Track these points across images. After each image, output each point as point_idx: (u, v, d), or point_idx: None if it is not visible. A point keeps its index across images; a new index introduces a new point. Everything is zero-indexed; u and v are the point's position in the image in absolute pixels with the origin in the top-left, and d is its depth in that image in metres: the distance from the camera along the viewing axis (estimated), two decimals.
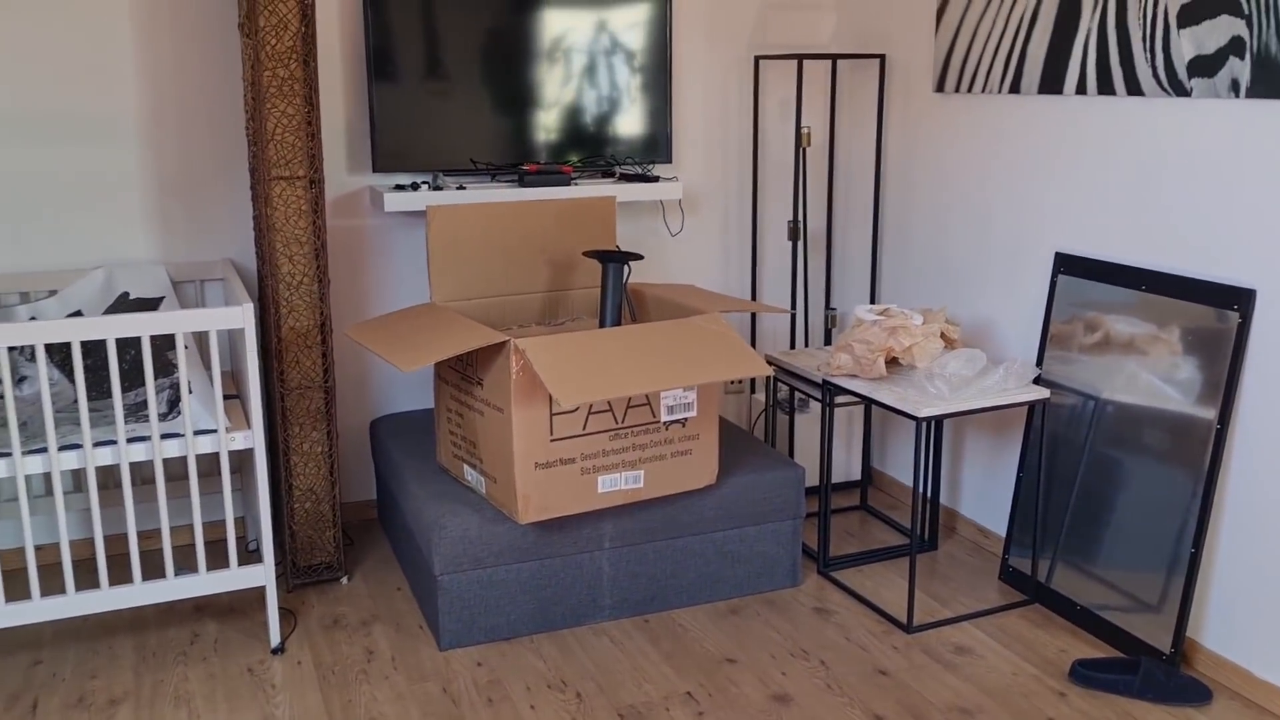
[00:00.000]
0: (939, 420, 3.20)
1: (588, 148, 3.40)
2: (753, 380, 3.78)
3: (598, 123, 3.39)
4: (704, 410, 2.75)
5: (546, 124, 3.34)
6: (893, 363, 2.95)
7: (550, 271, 3.07)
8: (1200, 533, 2.48)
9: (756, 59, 3.56)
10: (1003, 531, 3.18)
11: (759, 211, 3.72)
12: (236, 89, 3.12)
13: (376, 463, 3.33)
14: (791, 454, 3.55)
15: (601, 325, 2.92)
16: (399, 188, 3.16)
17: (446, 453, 2.90)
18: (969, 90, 3.12)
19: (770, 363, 3.19)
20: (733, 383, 3.79)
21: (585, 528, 2.73)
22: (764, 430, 3.67)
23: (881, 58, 3.46)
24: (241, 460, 3.12)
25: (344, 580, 3.03)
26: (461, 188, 3.19)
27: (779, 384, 3.55)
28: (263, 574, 2.60)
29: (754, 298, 3.74)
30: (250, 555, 3.18)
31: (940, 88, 3.23)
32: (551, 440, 2.59)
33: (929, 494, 3.27)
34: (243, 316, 2.48)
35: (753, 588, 2.95)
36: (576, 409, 2.60)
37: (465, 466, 2.80)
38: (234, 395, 2.89)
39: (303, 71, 2.73)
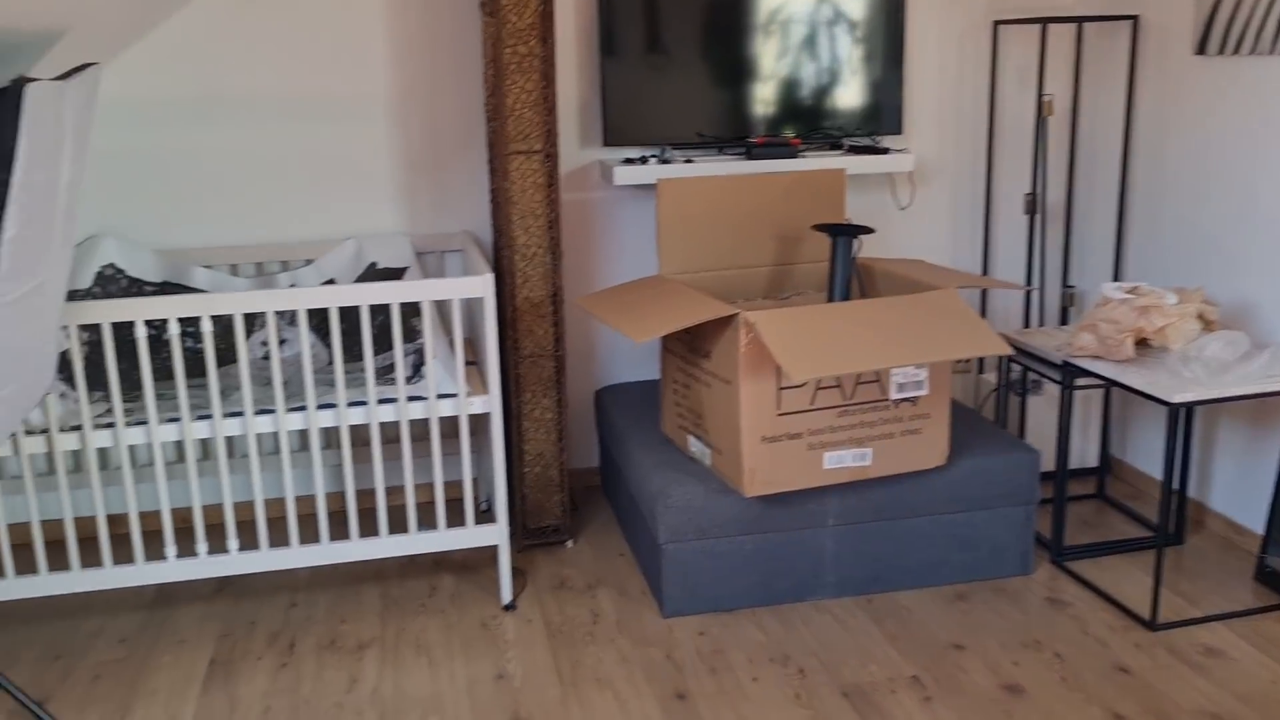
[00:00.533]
0: (1192, 407, 3.00)
1: (808, 120, 3.35)
2: (981, 360, 3.65)
3: (818, 94, 3.33)
4: (936, 389, 2.67)
5: (766, 97, 3.31)
6: (1142, 344, 2.78)
7: (777, 245, 3.05)
8: None
9: (995, 23, 3.41)
10: (1259, 529, 2.96)
11: (993, 184, 3.57)
12: (476, 67, 3.23)
13: (600, 431, 3.40)
14: (1022, 437, 3.41)
15: (830, 300, 2.88)
16: (628, 161, 3.21)
17: (671, 423, 2.93)
18: (1235, 52, 2.89)
19: (1006, 341, 3.06)
20: (960, 362, 3.67)
21: (810, 503, 2.70)
22: (994, 412, 3.54)
23: (1134, 19, 3.24)
24: (477, 424, 3.25)
25: (569, 544, 3.13)
26: (689, 161, 3.21)
27: (1011, 364, 3.41)
28: (496, 533, 2.71)
29: (986, 273, 3.60)
30: (483, 515, 3.32)
31: (1202, 50, 3.00)
32: (778, 414, 2.57)
33: (1177, 485, 3.07)
34: (484, 286, 2.57)
35: (981, 573, 2.85)
36: (804, 384, 2.58)
37: (690, 437, 2.83)
38: (472, 362, 3.02)
39: (541, 48, 2.80)
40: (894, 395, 2.65)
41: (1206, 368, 2.54)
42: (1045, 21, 3.21)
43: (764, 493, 2.62)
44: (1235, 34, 2.89)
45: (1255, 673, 2.42)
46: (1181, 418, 3.03)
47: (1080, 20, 3.24)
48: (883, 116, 3.38)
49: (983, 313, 3.61)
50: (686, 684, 2.42)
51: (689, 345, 2.77)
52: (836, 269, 2.82)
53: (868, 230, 2.80)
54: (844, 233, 2.80)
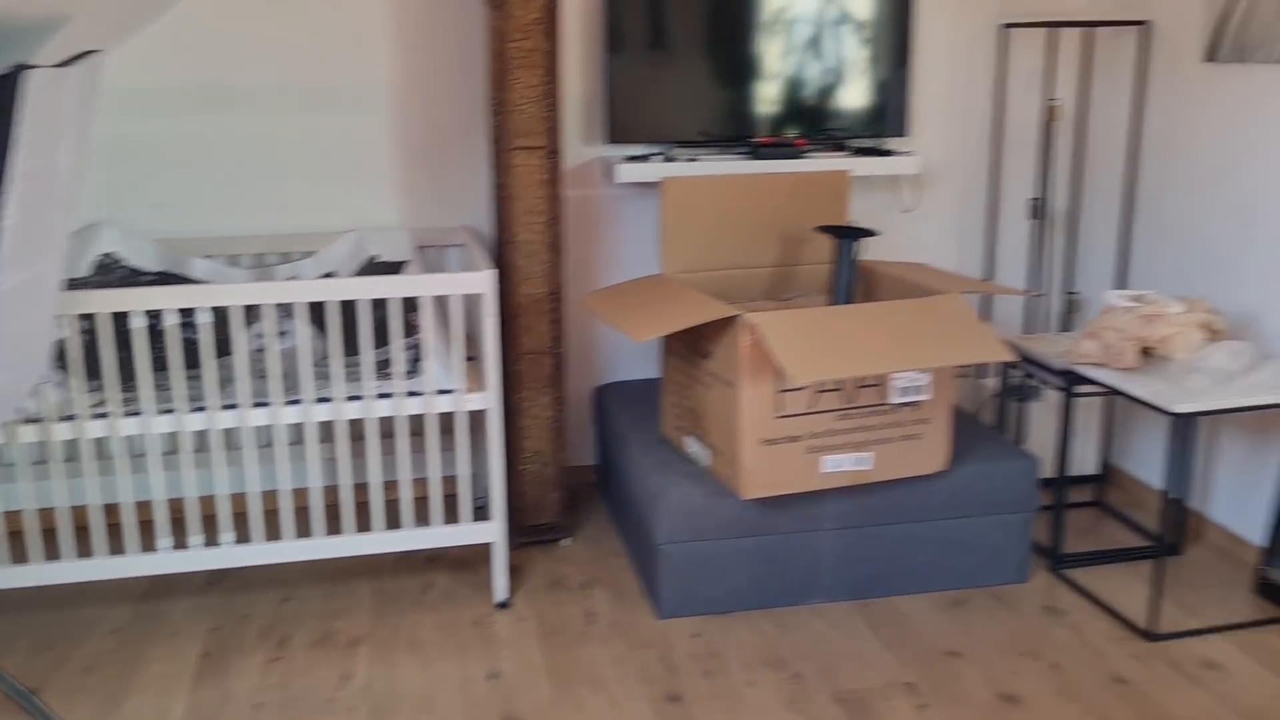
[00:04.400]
0: (1194, 418, 2.98)
1: (811, 120, 3.32)
2: (982, 365, 3.63)
3: (822, 95, 3.31)
4: (938, 394, 2.66)
5: (770, 96, 3.28)
6: (1145, 353, 2.76)
7: (780, 246, 3.03)
8: None
9: (1004, 26, 3.39)
10: (1259, 540, 2.94)
11: (998, 189, 3.56)
12: (480, 60, 3.21)
13: (599, 429, 3.38)
14: (1022, 443, 3.39)
15: (833, 302, 2.86)
16: (631, 159, 3.19)
17: (670, 423, 2.92)
18: (1247, 60, 2.87)
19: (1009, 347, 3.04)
20: (962, 366, 3.65)
21: (808, 506, 2.69)
22: (994, 417, 3.52)
23: (1144, 24, 3.23)
24: (475, 420, 3.23)
25: (565, 542, 3.11)
26: (693, 160, 3.19)
27: (1012, 370, 3.39)
28: (492, 531, 2.69)
29: (989, 278, 3.58)
30: (480, 511, 3.30)
31: (1212, 56, 2.99)
32: (778, 417, 2.56)
33: (1176, 495, 3.05)
34: (485, 282, 2.55)
35: (978, 580, 2.84)
36: (805, 387, 2.56)
37: (688, 438, 2.81)
38: (471, 357, 3.00)
39: (546, 44, 2.78)
40: (895, 399, 2.63)
41: (1210, 378, 2.53)
42: (1054, 26, 3.19)
43: (762, 495, 2.60)
44: (1247, 41, 2.87)
45: (1254, 686, 2.40)
46: (1183, 428, 3.01)
47: (1090, 25, 3.22)
48: (888, 118, 3.36)
49: (984, 318, 3.59)
50: (680, 686, 2.41)
51: (690, 345, 2.75)
52: (839, 271, 2.81)
53: (871, 233, 2.78)
54: (847, 235, 2.78)
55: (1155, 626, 2.62)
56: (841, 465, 2.63)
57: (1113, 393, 2.67)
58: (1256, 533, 2.95)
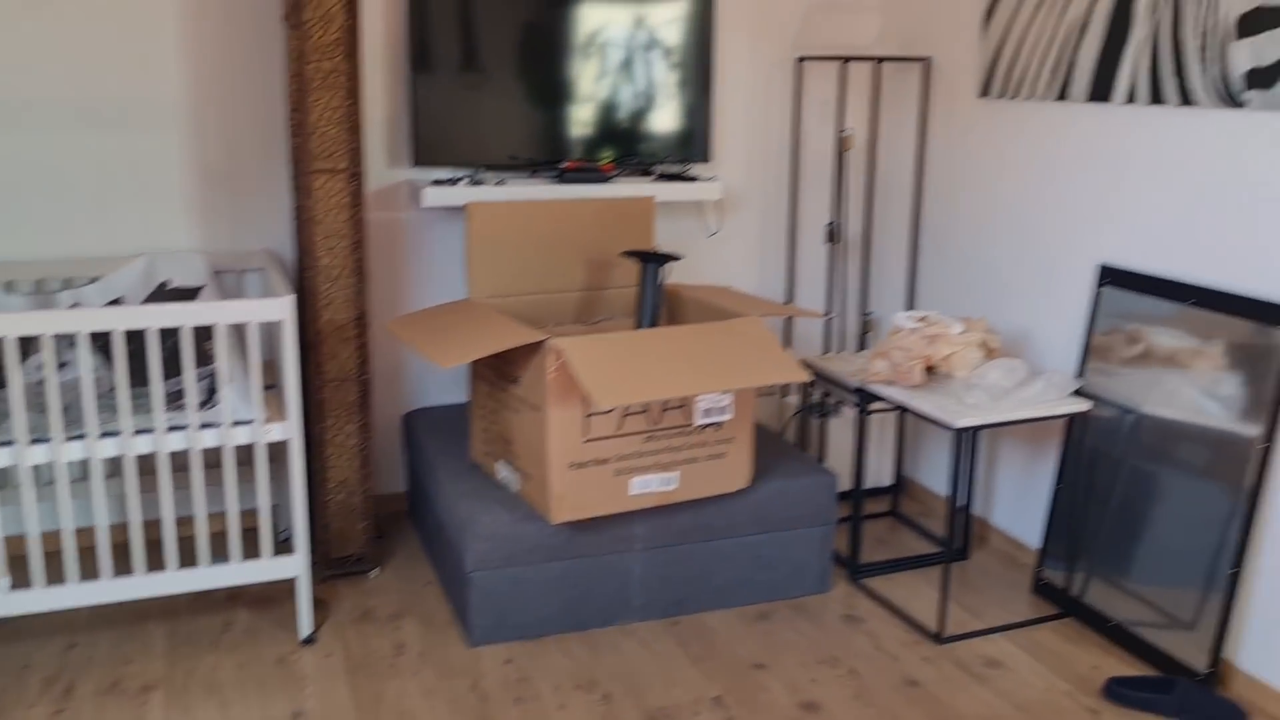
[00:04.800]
0: (974, 431, 3.17)
1: (623, 144, 3.39)
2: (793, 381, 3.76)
3: (633, 119, 3.38)
4: (739, 414, 2.74)
5: (582, 119, 3.33)
6: (930, 370, 2.92)
7: (587, 270, 3.07)
8: (1240, 552, 2.45)
9: (799, 59, 3.54)
10: (1036, 543, 3.15)
11: (797, 213, 3.70)
12: (280, 80, 3.12)
13: (408, 456, 3.33)
14: (823, 459, 3.53)
15: (639, 326, 2.91)
16: (438, 182, 3.16)
17: (479, 449, 2.90)
18: (1015, 96, 3.09)
19: (806, 367, 3.17)
20: (761, 387, 3.77)
21: (617, 528, 2.72)
22: (796, 434, 3.65)
23: (926, 61, 3.43)
24: (277, 451, 3.13)
25: (374, 573, 3.05)
26: (501, 183, 3.19)
27: (812, 389, 3.53)
28: (295, 565, 2.61)
29: (790, 300, 3.72)
30: (283, 545, 3.20)
31: (985, 93, 3.20)
32: (586, 440, 2.58)
33: (962, 503, 3.24)
34: (283, 309, 2.48)
35: (783, 593, 2.94)
36: (612, 410, 2.59)
37: (498, 463, 2.81)
38: (271, 386, 2.91)
39: (347, 65, 2.74)
40: (699, 421, 2.70)
41: (987, 394, 2.70)
42: (845, 60, 3.35)
43: (571, 519, 2.62)
44: (1015, 80, 3.08)
45: (1032, 681, 2.57)
46: (965, 441, 3.20)
47: (878, 60, 3.40)
48: (693, 144, 3.45)
49: (787, 338, 3.72)
50: (491, 714, 2.39)
51: (498, 370, 2.75)
52: (645, 295, 2.86)
53: (675, 257, 2.85)
54: (652, 260, 2.84)
55: (944, 629, 2.77)
56: (649, 486, 2.68)
57: (902, 409, 2.82)
58: (1034, 536, 3.16)
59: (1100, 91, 2.79)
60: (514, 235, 2.94)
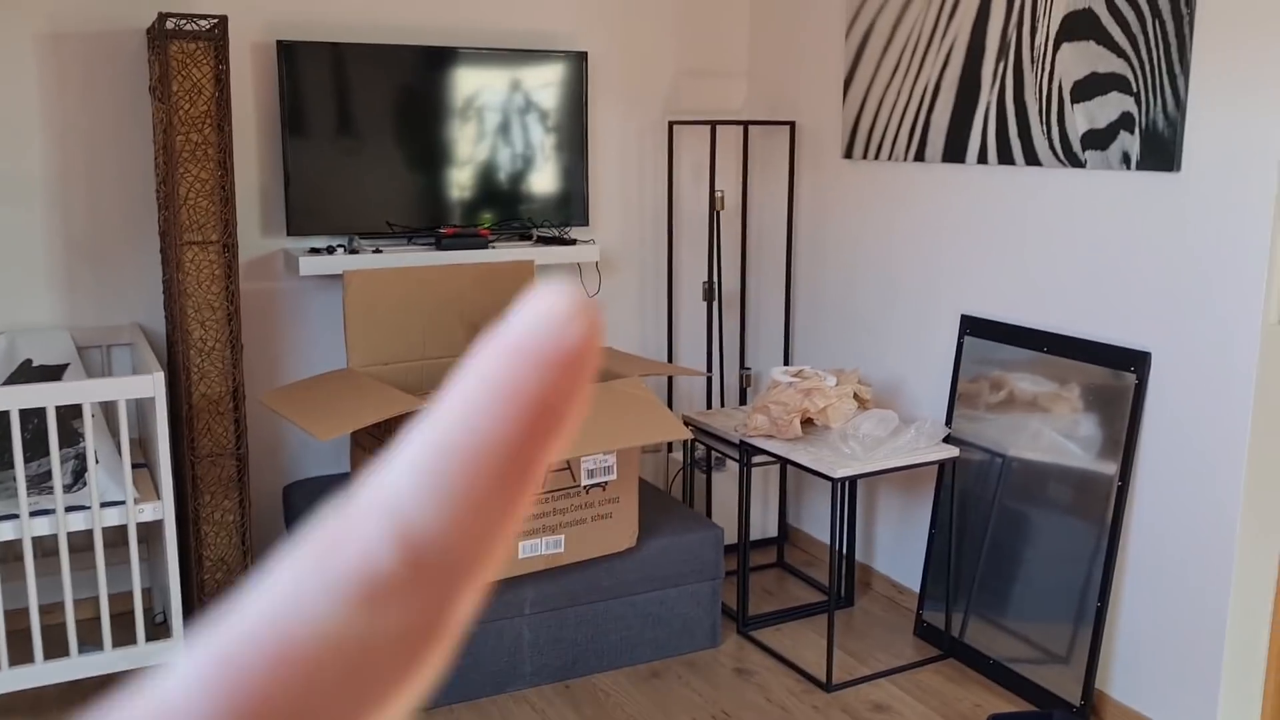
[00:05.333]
0: (852, 480, 3.26)
1: (503, 207, 3.42)
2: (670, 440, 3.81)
3: (512, 182, 3.42)
4: (623, 473, 2.77)
5: (461, 183, 3.35)
6: (808, 423, 3.00)
7: (469, 335, 3.07)
8: (1105, 586, 2.56)
9: (670, 124, 3.63)
10: (916, 587, 3.24)
11: (674, 273, 3.78)
12: (147, 151, 3.07)
13: (291, 530, 3.26)
14: (709, 513, 3.58)
15: None
16: (314, 251, 3.14)
17: None
18: (875, 158, 3.23)
19: (688, 424, 3.22)
20: (644, 445, 3.81)
21: (505, 594, 2.71)
22: (682, 490, 3.70)
23: (791, 124, 3.56)
24: (150, 531, 3.03)
25: None
26: (378, 251, 3.18)
27: (696, 444, 3.58)
28: (172, 650, 2.52)
29: (670, 358, 3.78)
30: (159, 628, 3.08)
31: (848, 154, 3.33)
32: None
33: (845, 551, 3.32)
34: (153, 385, 2.43)
35: (674, 650, 2.95)
36: None
37: None
38: (142, 464, 2.82)
39: (216, 137, 2.71)
40: (585, 481, 2.72)
41: (862, 444, 2.78)
42: (714, 124, 3.46)
43: None
44: (875, 142, 3.23)
45: None
46: (844, 490, 3.29)
47: (746, 124, 3.51)
48: (572, 207, 3.51)
49: (670, 395, 3.78)
50: None
51: (380, 439, 2.73)
52: None
53: None
54: None
55: (831, 678, 2.82)
56: (536, 549, 2.68)
57: (782, 461, 2.89)
58: (915, 580, 3.25)
59: (954, 153, 2.94)
60: (393, 303, 2.94)
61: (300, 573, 0.19)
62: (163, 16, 2.66)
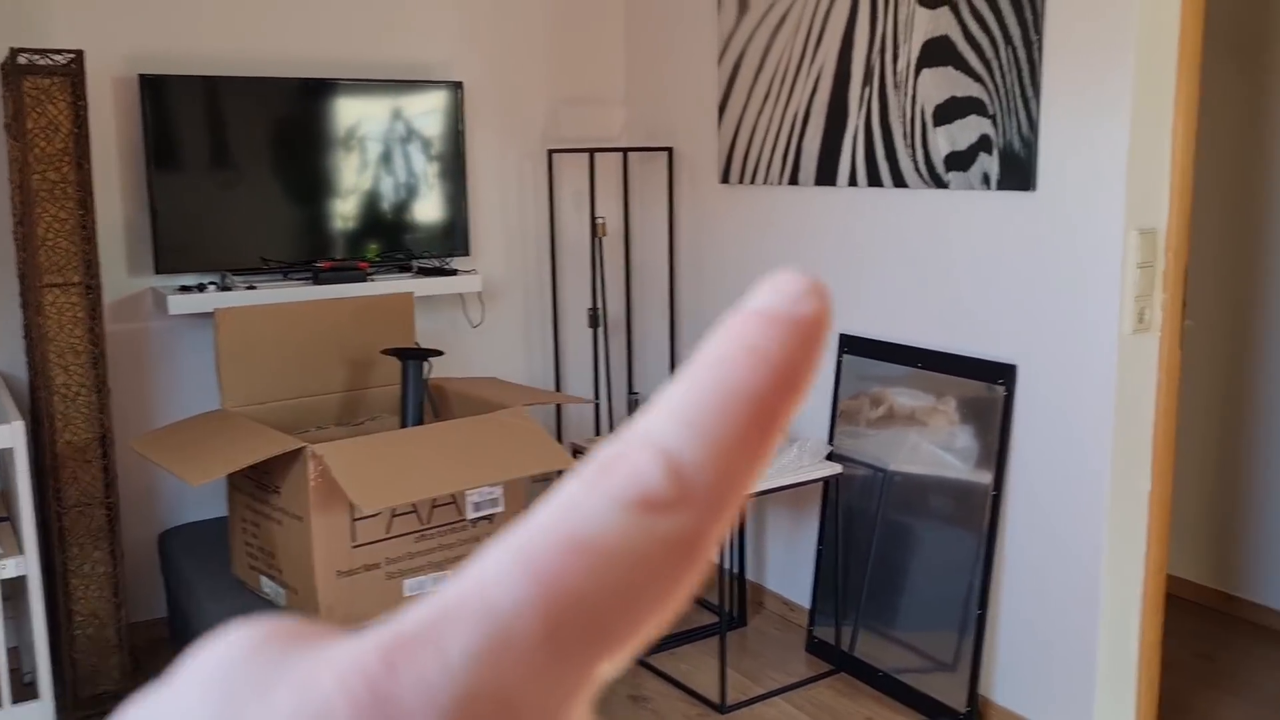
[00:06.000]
0: None
1: (385, 238, 3.38)
2: (561, 470, 3.79)
3: (395, 213, 3.38)
4: (511, 506, 2.74)
5: (342, 215, 3.30)
6: None
7: (349, 370, 3.02)
8: (984, 593, 2.63)
9: (550, 151, 3.64)
10: (806, 603, 3.28)
11: (559, 301, 3.77)
12: (3, 190, 2.95)
13: (167, 579, 3.15)
14: None
15: (403, 424, 2.88)
16: (184, 289, 3.05)
17: (242, 564, 2.78)
18: (752, 182, 3.28)
19: (575, 453, 3.21)
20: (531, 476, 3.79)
21: None
22: None
23: (669, 150, 3.59)
24: (14, 588, 2.89)
25: None
26: (252, 287, 3.11)
27: None
28: (40, 711, 2.41)
29: (558, 386, 3.77)
30: (26, 689, 2.94)
31: (726, 179, 3.38)
32: (354, 546, 2.52)
33: (737, 571, 3.34)
34: (11, 436, 2.32)
35: None
36: (379, 513, 2.55)
37: (263, 578, 2.69)
38: (4, 518, 2.70)
39: (76, 174, 2.62)
40: (471, 515, 2.68)
41: None
42: (593, 151, 3.47)
43: (343, 629, 2.53)
44: (751, 167, 3.28)
45: None
46: None
47: (624, 151, 3.54)
48: (452, 238, 3.48)
49: (558, 424, 3.77)
50: None
51: (257, 481, 2.65)
52: (408, 393, 2.84)
53: (436, 353, 2.85)
54: (413, 356, 2.83)
55: (725, 699, 2.83)
56: (423, 587, 2.63)
57: None
58: (805, 596, 3.29)
59: (826, 176, 3.01)
60: (267, 340, 2.87)
61: (578, 490, 0.21)
62: (14, 52, 2.57)
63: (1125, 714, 2.53)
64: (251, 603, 2.64)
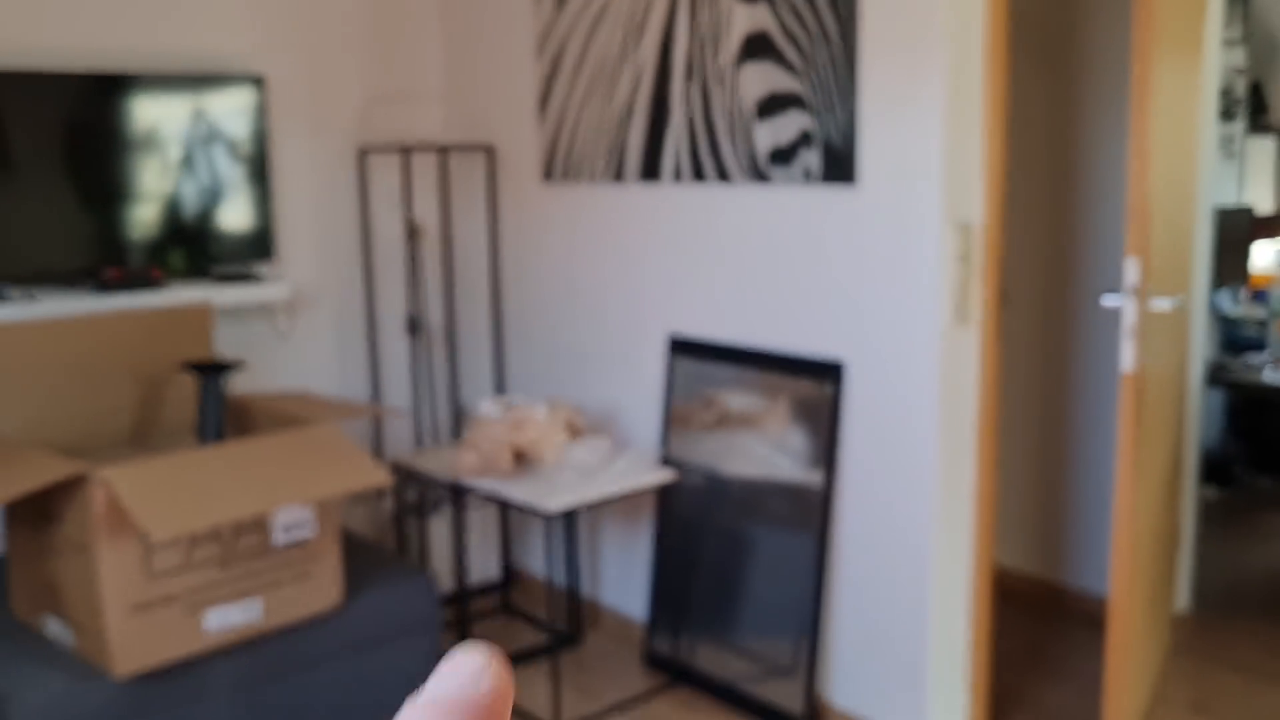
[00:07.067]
0: (569, 513, 3.18)
1: (186, 245, 3.12)
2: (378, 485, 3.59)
3: (196, 218, 3.13)
4: (324, 527, 2.55)
5: (138, 221, 3.04)
6: (521, 457, 2.89)
7: (141, 388, 2.76)
8: (819, 595, 2.60)
9: (361, 151, 3.45)
10: (643, 616, 3.19)
11: (375, 308, 3.58)
12: None
13: None
14: (425, 561, 3.40)
15: (202, 443, 2.65)
16: None
17: (23, 603, 2.50)
18: (576, 179, 3.18)
19: (396, 468, 3.04)
20: (344, 495, 3.58)
21: (198, 673, 2.42)
22: (395, 540, 3.49)
23: (490, 148, 3.46)
24: None
25: None
26: (32, 300, 2.81)
27: (406, 488, 3.39)
28: None
29: (376, 396, 3.58)
30: None
31: (549, 176, 3.27)
32: (150, 578, 2.29)
33: (573, 587, 3.23)
34: None
35: (393, 712, 2.75)
36: (175, 540, 2.32)
37: (47, 617, 2.42)
38: None
39: None
40: (279, 539, 2.48)
41: (576, 473, 2.70)
42: (407, 150, 3.31)
43: (139, 670, 2.30)
44: (574, 164, 3.18)
45: None
46: (562, 523, 3.20)
47: (441, 149, 3.38)
48: (255, 243, 3.25)
49: (377, 437, 3.57)
50: None
51: (37, 511, 2.38)
52: (206, 410, 2.62)
53: (235, 366, 2.64)
54: (210, 371, 2.61)
55: (560, 718, 2.71)
56: (228, 618, 2.41)
57: (495, 499, 2.76)
58: (641, 610, 3.20)
59: (650, 171, 2.94)
60: (45, 358, 2.59)
61: None
62: None
63: (957, 708, 2.54)
64: (34, 647, 2.37)
